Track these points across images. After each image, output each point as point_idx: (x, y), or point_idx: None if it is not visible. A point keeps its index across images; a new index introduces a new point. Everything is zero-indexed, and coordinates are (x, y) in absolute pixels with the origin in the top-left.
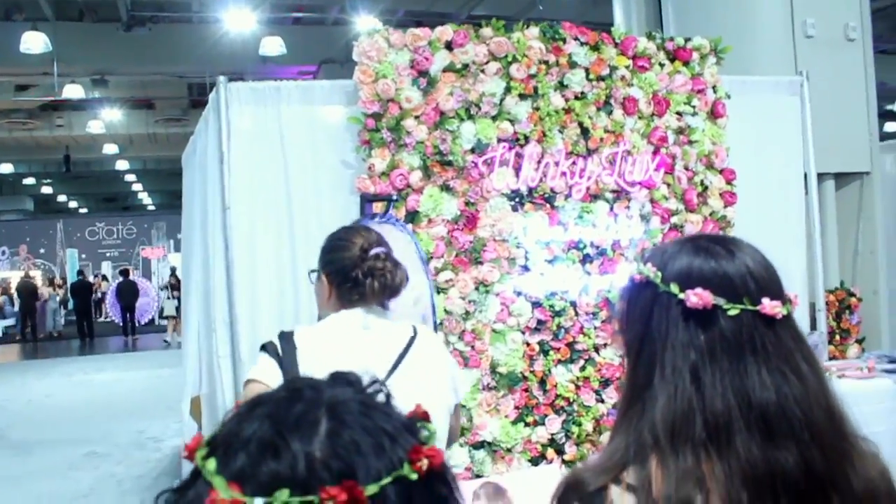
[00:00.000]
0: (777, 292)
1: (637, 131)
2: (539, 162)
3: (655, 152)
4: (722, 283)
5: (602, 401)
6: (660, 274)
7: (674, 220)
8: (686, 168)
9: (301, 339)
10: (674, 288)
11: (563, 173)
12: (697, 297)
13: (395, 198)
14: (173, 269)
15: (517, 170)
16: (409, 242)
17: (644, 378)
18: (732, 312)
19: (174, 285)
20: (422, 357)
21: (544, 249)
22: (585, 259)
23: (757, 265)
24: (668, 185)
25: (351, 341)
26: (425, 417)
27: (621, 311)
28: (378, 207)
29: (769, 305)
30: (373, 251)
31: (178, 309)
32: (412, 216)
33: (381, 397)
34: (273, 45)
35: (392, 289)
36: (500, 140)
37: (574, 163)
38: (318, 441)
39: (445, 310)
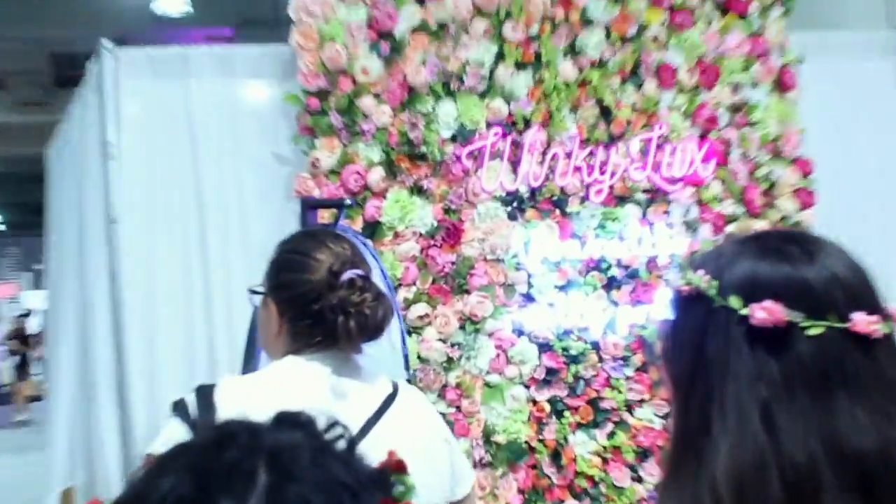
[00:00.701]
0: (873, 305)
1: (677, 110)
2: (544, 154)
3: (703, 138)
4: (799, 294)
5: (640, 479)
6: (715, 283)
7: (730, 228)
8: (745, 157)
9: (227, 397)
10: (734, 301)
11: (578, 168)
12: (766, 313)
13: (348, 203)
14: (26, 313)
15: (515, 164)
16: (371, 264)
17: (698, 422)
18: (814, 332)
19: (22, 337)
20: (403, 426)
21: (554, 272)
22: (611, 284)
23: (845, 270)
24: (722, 181)
25: (310, 410)
26: (400, 468)
27: (665, 335)
28: (325, 217)
29: (863, 322)
30: (346, 275)
31: (21, 371)
32: (372, 228)
33: (341, 444)
34: (173, 1)
35: (371, 330)
36: (490, 125)
37: (592, 154)
38: (256, 499)
39: (420, 356)
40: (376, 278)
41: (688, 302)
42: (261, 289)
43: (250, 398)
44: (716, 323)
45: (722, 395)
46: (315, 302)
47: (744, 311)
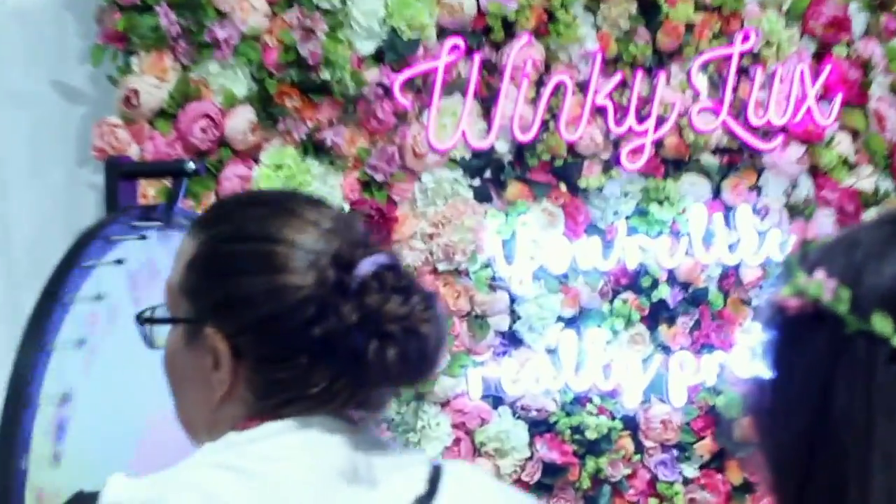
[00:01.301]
0: None
1: (776, 6)
2: (540, 85)
3: (822, 56)
4: None
5: None
6: (847, 294)
7: (870, 213)
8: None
9: None
10: (881, 324)
11: (600, 110)
12: None
13: (191, 169)
14: None
15: (488, 104)
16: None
17: None
18: None
19: None
20: None
21: (556, 293)
22: (657, 314)
23: None
24: (855, 132)
25: None
26: None
27: (758, 396)
28: (150, 194)
29: None
30: (363, 266)
31: None
32: None
33: None
34: None
35: (422, 364)
36: (445, 32)
37: (625, 85)
38: None
39: None
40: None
41: (799, 326)
42: (171, 312)
43: None
44: (850, 360)
45: (864, 472)
46: (312, 324)
47: None
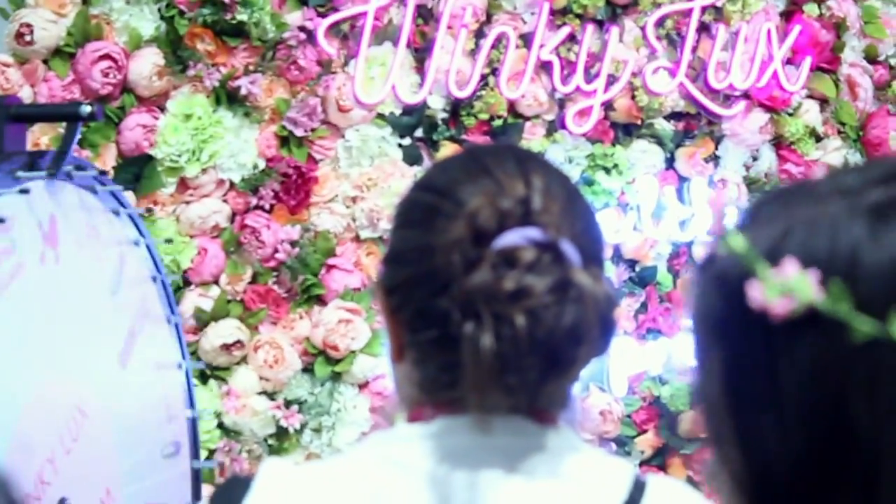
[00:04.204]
0: None
1: None
2: (480, 35)
3: (791, 15)
4: None
5: None
6: (842, 289)
7: None
8: (872, 57)
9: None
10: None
11: (545, 66)
12: None
13: (87, 113)
14: None
15: (421, 54)
16: (120, 227)
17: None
18: None
19: None
20: None
21: None
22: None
23: None
24: (823, 101)
25: None
26: None
27: (714, 397)
28: (41, 141)
29: None
30: (505, 237)
31: None
32: (135, 170)
33: None
34: None
35: (538, 359)
36: None
37: (573, 39)
38: None
39: (222, 426)
40: (138, 269)
41: (781, 336)
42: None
43: None
44: (867, 373)
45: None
46: (441, 292)
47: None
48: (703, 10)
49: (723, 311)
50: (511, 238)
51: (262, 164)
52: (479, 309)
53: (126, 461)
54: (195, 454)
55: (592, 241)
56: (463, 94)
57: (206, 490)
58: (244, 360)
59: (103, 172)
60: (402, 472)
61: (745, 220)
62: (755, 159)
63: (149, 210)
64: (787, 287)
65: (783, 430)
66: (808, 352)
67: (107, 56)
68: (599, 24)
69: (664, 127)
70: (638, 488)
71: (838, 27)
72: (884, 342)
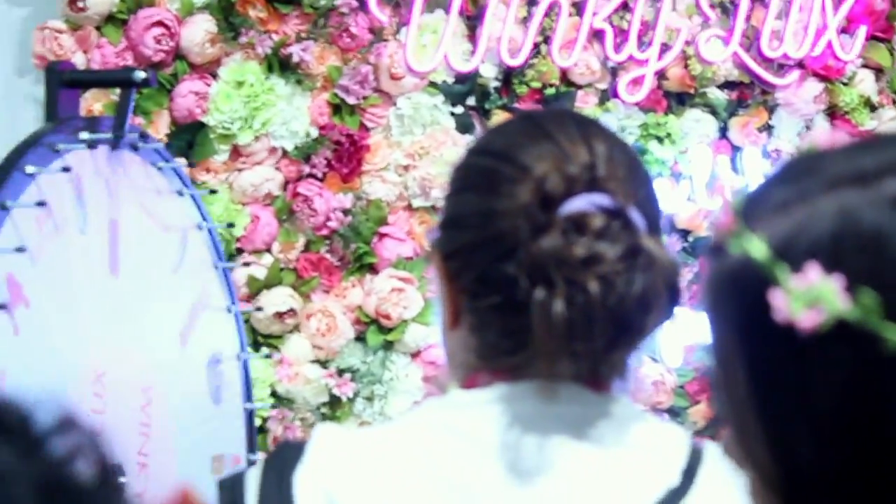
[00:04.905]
0: None
1: None
2: (532, 3)
3: None
4: None
5: None
6: (872, 298)
7: None
8: None
9: (320, 478)
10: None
11: (598, 34)
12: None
13: (142, 79)
14: None
15: (473, 23)
16: (183, 207)
17: None
18: None
19: None
20: None
21: None
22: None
23: None
24: (878, 69)
25: None
26: None
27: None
28: (94, 107)
29: None
30: (572, 203)
31: None
32: (188, 137)
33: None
34: None
35: (611, 326)
36: None
37: (627, 7)
38: None
39: (275, 393)
40: (195, 237)
41: (810, 348)
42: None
43: (363, 484)
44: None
45: None
46: (506, 257)
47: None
48: None
49: (743, 320)
50: (579, 203)
51: (314, 133)
52: (550, 274)
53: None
54: (249, 415)
55: (654, 208)
56: (515, 62)
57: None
58: (297, 328)
59: (156, 141)
60: (463, 437)
61: (754, 205)
62: (809, 129)
63: (212, 192)
64: (812, 297)
65: (818, 441)
66: (840, 366)
67: (159, 23)
68: None
69: (717, 96)
70: (695, 455)
71: None
72: None
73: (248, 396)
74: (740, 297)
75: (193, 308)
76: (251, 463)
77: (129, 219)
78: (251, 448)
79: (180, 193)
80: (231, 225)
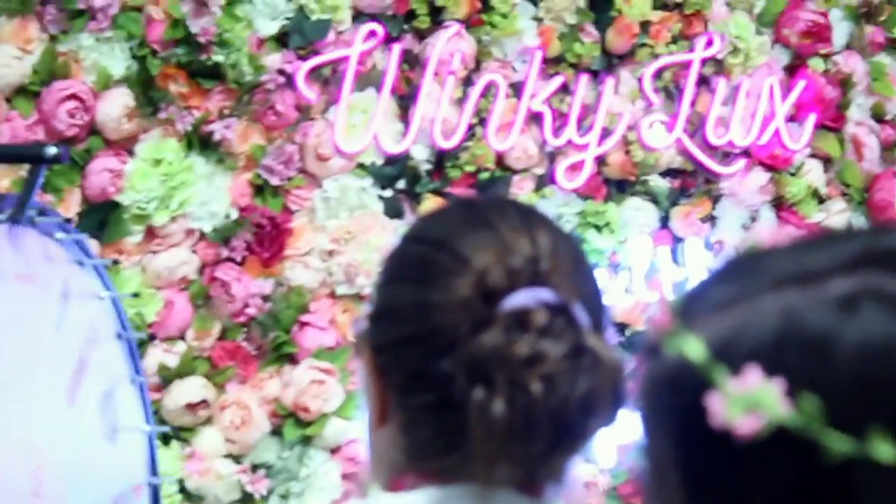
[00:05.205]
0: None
1: (744, 7)
2: (468, 83)
3: (795, 70)
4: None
5: None
6: (813, 405)
7: None
8: (878, 115)
9: None
10: (884, 449)
11: (536, 117)
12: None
13: (53, 155)
14: None
15: (406, 102)
16: (90, 294)
17: None
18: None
19: None
20: None
21: None
22: None
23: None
24: (826, 160)
25: None
26: None
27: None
28: (2, 185)
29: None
30: (515, 298)
31: None
32: (100, 217)
33: None
34: None
35: (550, 431)
36: (359, 16)
37: (566, 90)
38: None
39: (184, 490)
40: (102, 322)
41: (750, 454)
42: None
43: None
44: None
45: None
46: (443, 353)
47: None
48: (703, 62)
49: (678, 423)
50: (522, 298)
51: (234, 214)
52: (490, 373)
53: None
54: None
55: (599, 304)
56: (449, 144)
57: None
58: (209, 420)
59: (67, 220)
60: None
61: (692, 304)
62: (754, 220)
63: (115, 262)
64: (751, 402)
65: None
66: (778, 475)
67: (74, 96)
68: (594, 74)
69: (659, 184)
70: None
71: (844, 84)
72: (862, 462)
73: (148, 419)
74: (676, 400)
75: (80, 360)
76: (153, 486)
77: (7, 291)
78: (153, 471)
79: (80, 264)
80: (136, 295)
